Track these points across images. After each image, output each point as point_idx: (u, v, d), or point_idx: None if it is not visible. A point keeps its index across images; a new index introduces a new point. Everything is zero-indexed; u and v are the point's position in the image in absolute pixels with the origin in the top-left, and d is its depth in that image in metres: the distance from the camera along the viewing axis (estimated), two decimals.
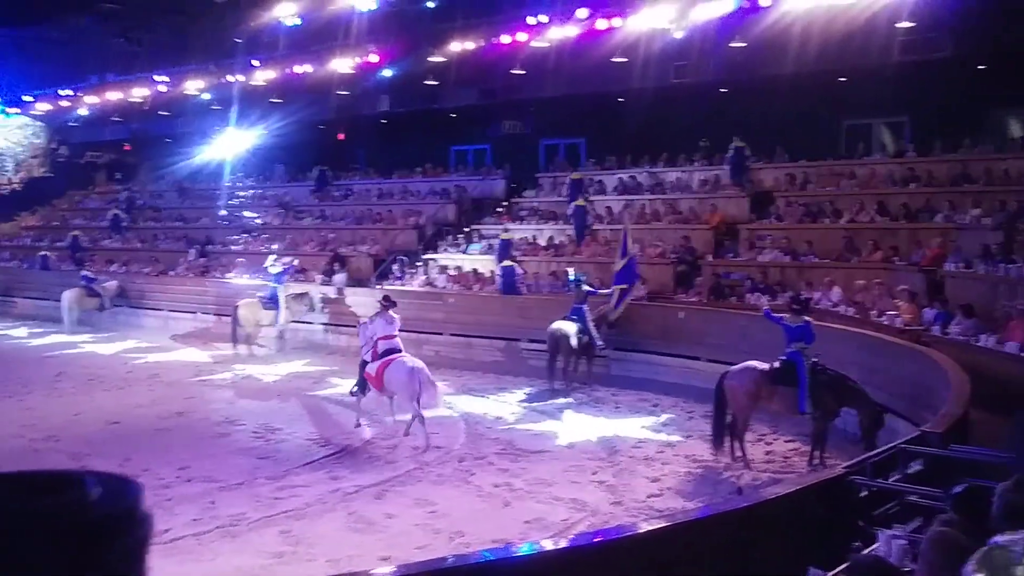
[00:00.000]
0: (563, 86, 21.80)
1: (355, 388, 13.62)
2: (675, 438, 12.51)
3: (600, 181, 22.77)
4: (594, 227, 20.68)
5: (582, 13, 18.90)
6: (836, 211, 17.92)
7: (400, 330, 13.50)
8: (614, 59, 19.67)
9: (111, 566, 0.73)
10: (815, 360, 10.99)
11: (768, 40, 17.81)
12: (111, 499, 0.75)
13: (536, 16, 19.49)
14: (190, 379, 17.36)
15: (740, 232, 18.80)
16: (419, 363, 12.89)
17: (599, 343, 16.02)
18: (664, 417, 13.75)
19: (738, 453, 11.22)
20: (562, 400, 14.97)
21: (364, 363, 13.39)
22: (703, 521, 6.20)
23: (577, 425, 13.33)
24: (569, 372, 15.73)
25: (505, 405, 14.85)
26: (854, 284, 15.35)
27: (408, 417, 12.75)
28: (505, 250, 19.81)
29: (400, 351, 13.12)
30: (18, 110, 33.08)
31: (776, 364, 11.19)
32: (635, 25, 18.75)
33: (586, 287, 16.36)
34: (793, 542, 6.18)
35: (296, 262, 21.73)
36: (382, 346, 13.10)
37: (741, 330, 14.53)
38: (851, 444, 10.96)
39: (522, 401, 15.13)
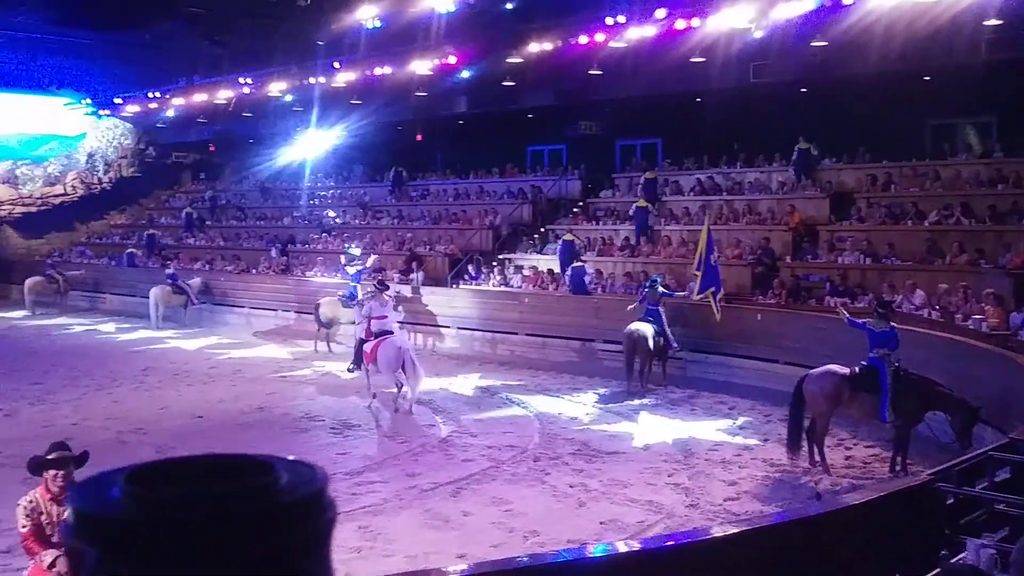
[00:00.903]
0: (640, 86, 21.70)
1: (352, 365, 15.36)
2: (752, 441, 12.38)
3: (676, 182, 22.64)
4: (655, 228, 20.62)
5: (660, 13, 18.77)
6: (919, 212, 17.53)
7: (469, 328, 13.85)
8: (692, 59, 19.50)
9: (300, 549, 0.75)
10: (897, 365, 10.78)
11: (850, 39, 17.46)
12: (299, 483, 0.77)
13: (614, 17, 19.42)
14: (271, 375, 17.75)
15: (820, 234, 18.52)
16: (407, 344, 14.59)
17: (675, 345, 15.93)
18: (741, 420, 13.62)
19: (817, 458, 11.06)
20: (637, 401, 14.93)
21: (361, 341, 14.89)
22: (781, 526, 6.14)
23: (653, 427, 13.29)
24: (645, 373, 15.66)
25: (580, 405, 14.86)
26: (938, 287, 15.00)
27: (394, 390, 14.35)
28: (567, 251, 19.84)
29: (392, 332, 14.46)
30: (109, 112, 34.18)
31: (857, 369, 11.00)
32: (714, 25, 18.56)
33: (661, 288, 16.27)
34: (875, 550, 6.08)
35: (371, 261, 22.04)
36: (375, 326, 14.50)
37: (820, 333, 14.29)
38: (936, 450, 10.73)
39: (597, 402, 15.13)
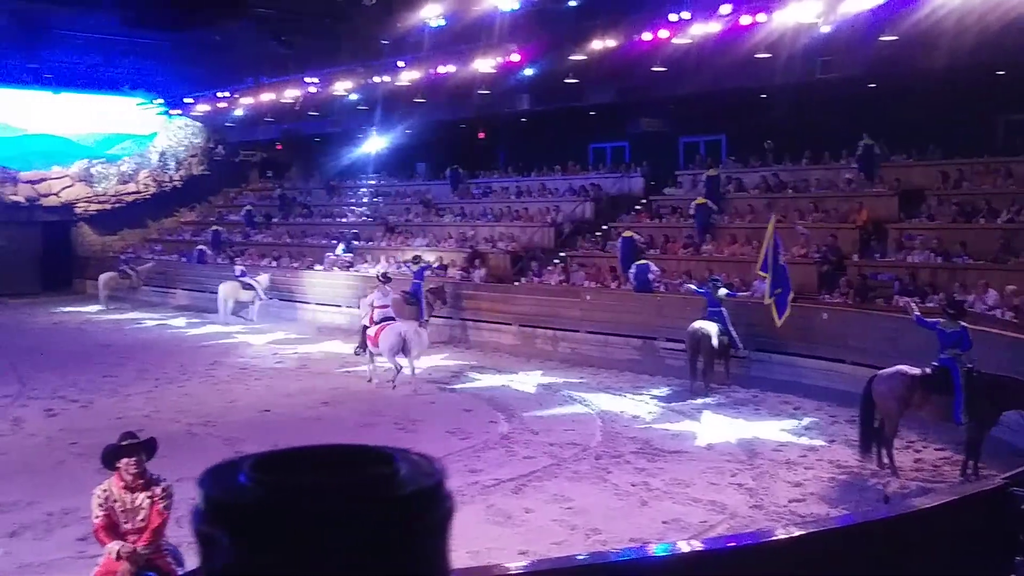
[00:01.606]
0: (704, 82, 21.50)
1: (358, 348, 16.97)
2: (818, 442, 12.22)
3: (739, 179, 22.41)
4: (718, 225, 20.44)
5: (725, 9, 18.58)
6: (992, 210, 17.10)
7: (530, 325, 13.93)
8: (757, 55, 19.27)
9: (420, 539, 0.77)
10: (970, 367, 10.55)
11: (920, 33, 17.10)
12: (418, 475, 0.80)
13: (678, 13, 19.28)
14: (335, 370, 18.00)
15: (888, 232, 18.18)
16: (406, 328, 15.99)
17: (740, 346, 15.78)
18: (806, 421, 13.45)
19: (885, 460, 10.88)
20: (700, 400, 14.83)
21: (364, 327, 16.59)
22: (847, 529, 6.06)
23: (716, 426, 13.19)
24: (708, 373, 15.54)
25: (642, 404, 14.81)
26: (1006, 288, 14.62)
27: (396, 368, 15.99)
28: (627, 249, 19.76)
29: (393, 319, 16.25)
30: (179, 111, 34.93)
31: (928, 370, 10.79)
32: (780, 20, 18.32)
33: (724, 290, 16.10)
34: (945, 556, 5.98)
35: (434, 261, 22.23)
36: (378, 314, 16.21)
37: (888, 333, 14.05)
38: (1009, 454, 10.48)
39: (659, 400, 15.06)
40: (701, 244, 20.19)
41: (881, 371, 11.23)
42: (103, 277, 28.96)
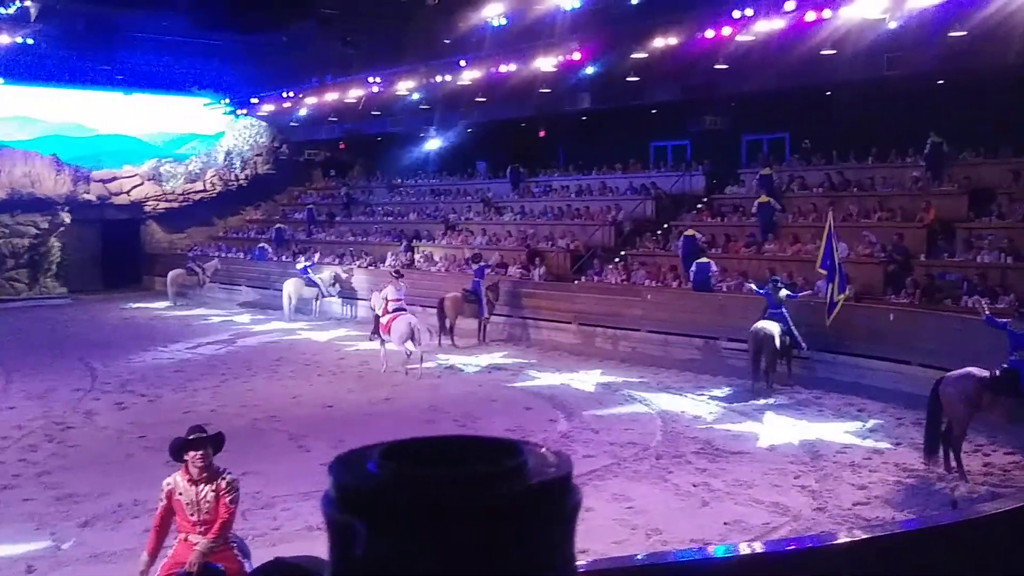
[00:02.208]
0: (767, 80, 21.25)
1: (372, 334, 18.70)
2: (883, 445, 12.02)
3: (801, 177, 22.12)
4: (781, 224, 20.19)
5: (790, 5, 18.35)
6: None
7: (590, 324, 13.83)
8: (822, 51, 18.99)
9: (548, 531, 0.78)
10: None
11: (990, 28, 16.69)
12: (546, 467, 0.81)
13: (742, 10, 19.08)
14: (396, 367, 18.16)
15: (957, 231, 17.79)
16: (414, 320, 17.68)
17: (803, 346, 15.57)
18: (871, 423, 13.23)
19: (953, 464, 10.66)
20: (763, 401, 14.67)
21: (377, 316, 18.27)
22: (913, 534, 5.97)
23: (778, 427, 13.05)
24: (771, 373, 15.37)
25: (703, 404, 14.71)
26: None
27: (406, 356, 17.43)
28: (688, 247, 19.63)
29: (405, 310, 17.80)
30: (245, 111, 35.58)
31: (998, 372, 10.55)
32: (846, 16, 18.02)
33: (785, 291, 15.87)
34: (1015, 562, 5.86)
35: (492, 260, 22.30)
36: (392, 305, 17.81)
37: (956, 334, 13.74)
38: None
39: (721, 400, 14.94)
40: (763, 243, 19.97)
41: (949, 373, 11.02)
42: (171, 274, 29.61)
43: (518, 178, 28.81)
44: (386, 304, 18.00)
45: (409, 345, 17.36)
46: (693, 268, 18.83)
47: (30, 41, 28.65)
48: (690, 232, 20.16)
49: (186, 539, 6.04)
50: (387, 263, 26.34)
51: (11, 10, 25.83)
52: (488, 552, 0.76)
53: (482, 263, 21.23)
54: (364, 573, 0.77)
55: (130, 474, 10.69)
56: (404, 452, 0.83)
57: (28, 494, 10.05)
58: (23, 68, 30.93)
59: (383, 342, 17.95)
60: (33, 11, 25.29)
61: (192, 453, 6.02)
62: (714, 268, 18.78)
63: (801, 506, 9.59)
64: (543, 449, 0.86)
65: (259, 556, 6.48)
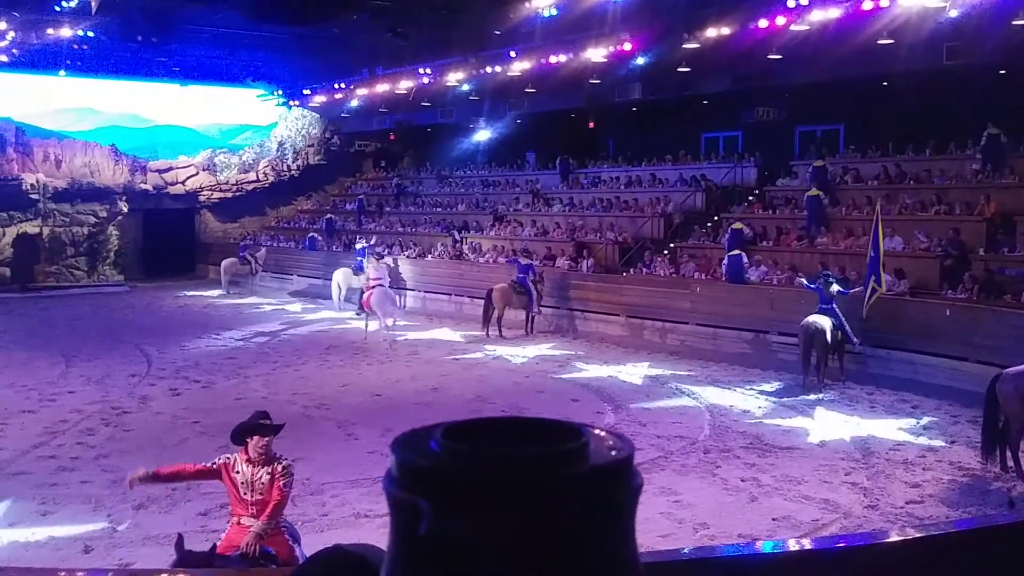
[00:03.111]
0: (822, 70, 20.92)
1: (358, 311, 21.46)
2: (938, 443, 11.81)
3: (856, 169, 21.77)
4: (832, 218, 19.91)
5: None
6: None
7: (638, 317, 13.76)
8: (879, 41, 18.65)
9: (609, 514, 0.79)
10: None
11: None
12: (607, 449, 0.81)
13: (797, 0, 18.81)
14: (444, 357, 18.27)
15: (1017, 225, 17.38)
16: (390, 292, 20.79)
17: (855, 340, 15.35)
18: (925, 420, 13.01)
19: (1010, 463, 10.45)
20: (813, 396, 14.50)
21: (361, 291, 21.13)
22: (968, 533, 5.87)
23: (829, 423, 12.89)
24: (822, 368, 15.17)
25: (752, 398, 14.58)
26: None
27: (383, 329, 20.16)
28: (735, 240, 19.45)
29: (383, 285, 20.45)
30: (297, 103, 35.94)
31: None
32: (904, 4, 17.68)
33: (836, 286, 15.60)
34: None
35: (537, 259, 22.30)
36: (372, 283, 20.39)
37: (1015, 331, 13.47)
38: None
39: (770, 395, 14.80)
40: (815, 236, 19.70)
41: (1007, 370, 10.78)
42: (225, 263, 30.03)
43: (567, 169, 28.74)
44: (368, 282, 20.66)
45: (388, 316, 20.27)
46: (725, 261, 18.69)
47: (90, 34, 29.19)
48: (738, 225, 19.97)
49: (239, 522, 6.13)
50: (436, 253, 26.48)
51: (73, 3, 26.33)
52: (548, 531, 0.76)
53: (528, 262, 21.20)
54: (426, 551, 0.77)
55: (183, 458, 10.74)
56: (465, 431, 0.83)
57: (86, 476, 10.28)
58: (83, 60, 31.55)
59: (367, 316, 20.66)
60: (94, 4, 25.74)
61: (256, 438, 6.12)
62: (746, 261, 18.61)
63: (852, 503, 9.47)
64: (604, 432, 0.86)
65: (308, 542, 6.56)
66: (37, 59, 31.03)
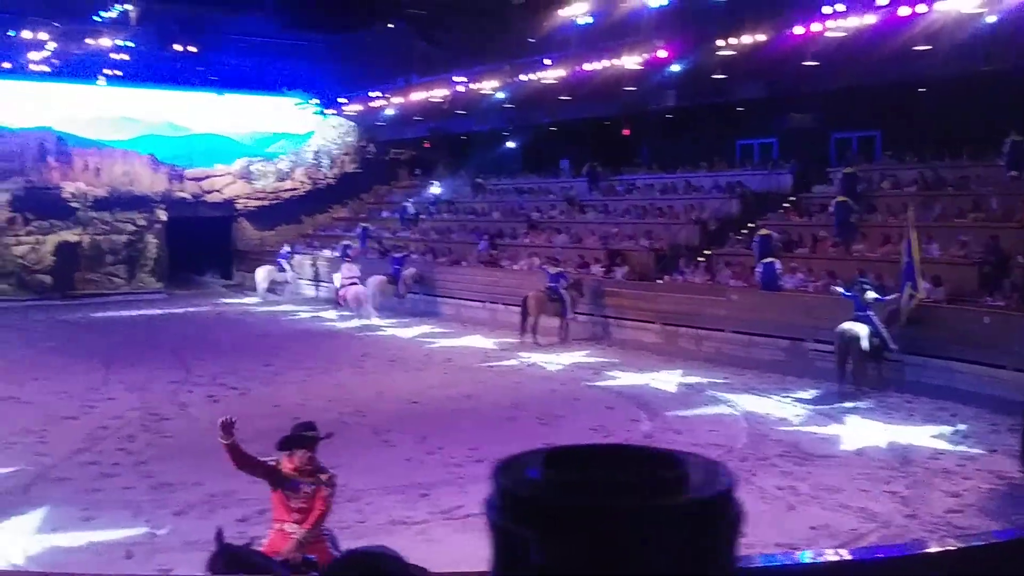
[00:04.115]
0: (858, 76, 20.81)
1: (335, 304, 25.38)
2: (977, 451, 11.68)
3: (893, 175, 21.57)
4: (861, 225, 19.73)
5: (883, 0, 17.94)
6: None
7: (673, 324, 13.62)
8: (916, 47, 18.51)
9: (708, 545, 0.79)
10: None
11: None
12: (708, 479, 0.81)
13: (833, 5, 18.70)
14: (479, 364, 18.31)
15: None
16: (362, 289, 24.49)
17: (892, 346, 15.20)
18: (964, 428, 12.85)
19: None
20: (850, 404, 14.37)
21: (337, 289, 25.38)
22: (1011, 543, 5.80)
23: (866, 431, 12.78)
24: (859, 375, 15.04)
25: (789, 406, 14.48)
26: None
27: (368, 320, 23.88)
28: (764, 246, 19.36)
29: (356, 283, 24.50)
30: (334, 111, 36.26)
31: None
32: (941, 10, 17.53)
33: (872, 294, 15.45)
34: None
35: (570, 269, 22.31)
36: (346, 281, 24.56)
37: None
38: None
39: (807, 403, 14.69)
40: (848, 244, 19.51)
41: None
42: (261, 270, 30.30)
43: (596, 177, 28.67)
44: (344, 281, 24.69)
45: (364, 309, 24.11)
46: (759, 268, 18.61)
47: (129, 44, 29.65)
48: (765, 232, 19.89)
49: (281, 529, 6.21)
50: (470, 260, 26.54)
51: (113, 14, 26.77)
52: (648, 560, 0.76)
53: (560, 271, 21.19)
54: None
55: (222, 465, 10.81)
56: (565, 459, 0.84)
57: (127, 482, 10.44)
58: (122, 69, 32.06)
59: (346, 305, 24.85)
60: (133, 14, 26.17)
61: (302, 451, 6.19)
62: (779, 267, 18.52)
63: (891, 512, 9.39)
64: (704, 461, 0.86)
65: (346, 548, 6.63)
66: (77, 69, 31.62)
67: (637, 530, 0.76)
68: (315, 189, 36.85)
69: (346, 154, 37.59)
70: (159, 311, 27.40)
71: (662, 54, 22.60)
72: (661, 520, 0.77)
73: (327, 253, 31.88)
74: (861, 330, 14.84)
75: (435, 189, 33.17)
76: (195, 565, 7.93)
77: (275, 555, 6.06)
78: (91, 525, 9.05)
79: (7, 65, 30.74)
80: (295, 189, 36.58)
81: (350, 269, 25.07)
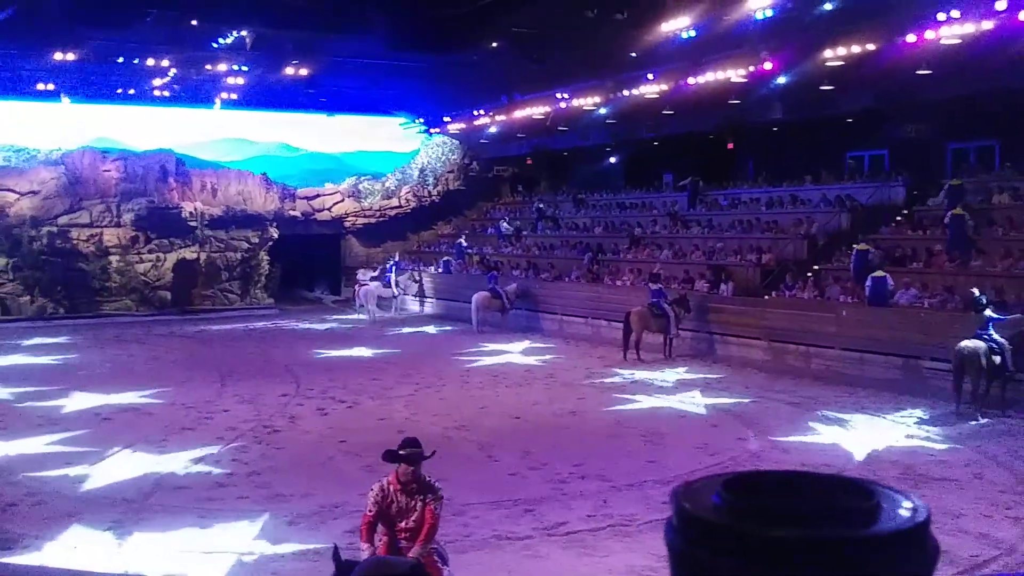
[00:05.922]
0: (975, 84, 20.07)
1: (356, 307, 30.12)
2: None
3: (1015, 187, 20.71)
4: (976, 239, 18.96)
5: (1001, 5, 17.29)
6: None
7: (781, 341, 13.29)
8: None
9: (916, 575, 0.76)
10: None
11: None
12: (900, 512, 0.79)
13: (947, 12, 18.12)
14: (582, 380, 18.28)
15: None
16: (370, 287, 29.37)
17: (1011, 367, 14.52)
18: None
19: None
20: (970, 425, 13.83)
21: (355, 290, 30.23)
22: None
23: (987, 453, 12.26)
24: (979, 395, 14.44)
25: (903, 426, 14.01)
26: None
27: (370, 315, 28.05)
28: (861, 261, 18.80)
29: (367, 285, 29.52)
30: (438, 130, 36.86)
31: None
32: None
33: (990, 312, 14.78)
34: None
35: (673, 286, 22.09)
36: (362, 283, 29.95)
37: None
38: None
39: (923, 423, 14.18)
40: (967, 259, 18.78)
41: None
42: (369, 287, 30.89)
43: (696, 192, 28.30)
44: (360, 280, 30.46)
45: (372, 305, 28.82)
46: (868, 283, 18.05)
47: (244, 68, 30.74)
48: (863, 247, 19.36)
49: (391, 542, 6.29)
50: (572, 275, 26.56)
51: (229, 40, 27.80)
52: None
53: (659, 286, 21.01)
54: None
55: (331, 477, 11.27)
56: (746, 485, 0.83)
57: (241, 492, 10.76)
58: (237, 93, 33.27)
59: (361, 306, 29.30)
60: (249, 40, 27.13)
61: (404, 466, 6.27)
62: (891, 283, 17.93)
63: (1014, 539, 8.99)
64: (898, 493, 0.84)
65: (451, 563, 6.69)
66: (195, 93, 32.94)
67: (820, 559, 0.73)
68: (420, 206, 37.46)
69: (450, 172, 38.12)
70: (271, 326, 28.21)
71: (767, 66, 22.25)
72: (833, 552, 0.73)
73: (431, 269, 32.42)
74: (979, 347, 14.26)
75: (506, 225, 33.49)
76: (306, 574, 8.14)
77: None
78: (208, 534, 9.35)
79: (132, 92, 32.22)
80: (401, 207, 37.24)
81: (362, 274, 31.37)
